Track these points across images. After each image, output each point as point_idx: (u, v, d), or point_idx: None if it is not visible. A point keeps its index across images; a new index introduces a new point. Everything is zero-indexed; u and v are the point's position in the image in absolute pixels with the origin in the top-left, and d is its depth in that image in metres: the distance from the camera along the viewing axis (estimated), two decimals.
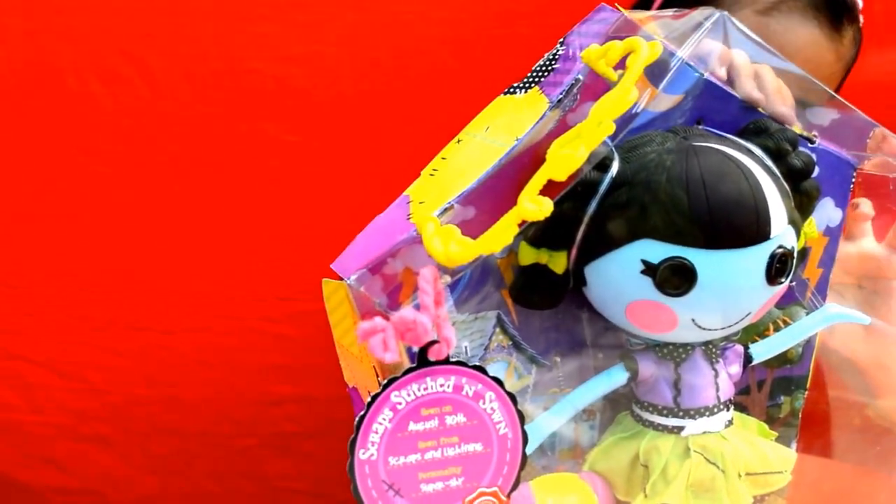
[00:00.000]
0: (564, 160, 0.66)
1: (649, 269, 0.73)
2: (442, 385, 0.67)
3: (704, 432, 0.78)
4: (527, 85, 0.80)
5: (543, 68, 0.80)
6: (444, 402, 0.67)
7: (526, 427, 0.77)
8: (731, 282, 0.74)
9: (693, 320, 0.75)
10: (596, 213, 0.74)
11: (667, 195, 0.73)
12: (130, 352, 1.12)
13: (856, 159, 0.86)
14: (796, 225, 0.77)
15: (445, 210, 0.73)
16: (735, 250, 0.73)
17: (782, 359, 0.87)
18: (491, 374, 0.69)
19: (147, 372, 1.13)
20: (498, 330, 0.79)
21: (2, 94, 1.09)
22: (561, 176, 0.67)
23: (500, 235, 0.66)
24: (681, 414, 0.78)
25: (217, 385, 1.12)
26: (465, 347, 0.79)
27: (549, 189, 0.68)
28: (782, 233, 0.75)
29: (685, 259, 0.73)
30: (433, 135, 0.82)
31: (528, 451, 0.77)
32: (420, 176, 0.82)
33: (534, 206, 0.65)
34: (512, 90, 0.80)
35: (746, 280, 0.74)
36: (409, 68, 1.11)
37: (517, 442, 0.70)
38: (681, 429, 0.77)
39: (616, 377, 0.78)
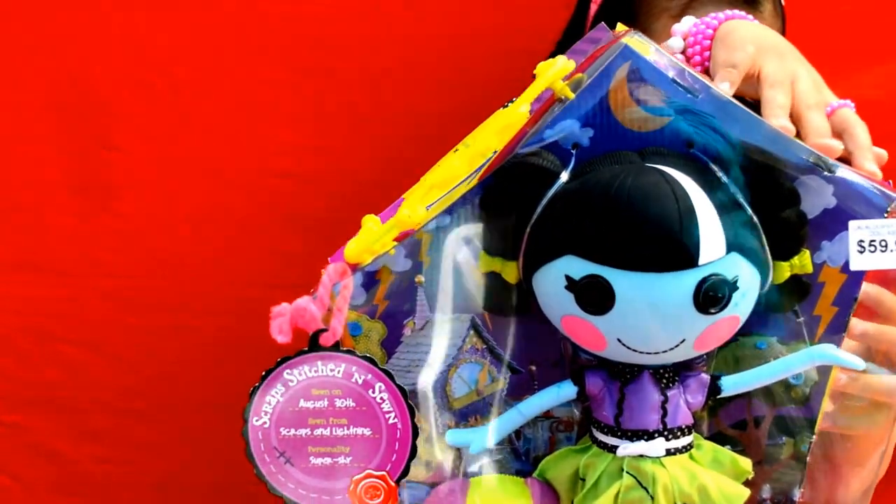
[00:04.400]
0: (447, 169, 0.70)
1: (571, 286, 0.74)
2: (332, 370, 0.73)
3: (641, 456, 0.77)
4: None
5: None
6: (333, 386, 0.73)
7: (473, 431, 0.81)
8: (653, 306, 0.73)
9: (619, 340, 0.75)
10: (536, 225, 0.77)
11: (591, 213, 0.73)
12: (164, 333, 1.24)
13: (891, 191, 0.80)
14: (753, 255, 0.74)
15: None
16: (655, 274, 0.72)
17: (786, 398, 0.83)
18: (381, 368, 0.74)
19: (179, 351, 1.24)
20: (472, 332, 0.83)
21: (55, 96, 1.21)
22: (444, 186, 0.70)
23: (382, 239, 0.71)
24: (619, 434, 0.77)
25: (244, 364, 1.21)
26: None
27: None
28: (718, 260, 0.73)
29: (603, 278, 0.73)
30: (436, 141, 0.86)
31: (474, 451, 0.81)
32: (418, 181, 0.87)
33: (408, 212, 0.69)
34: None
35: (670, 305, 0.73)
36: (416, 79, 1.17)
37: (407, 433, 0.74)
38: (616, 448, 0.77)
39: (565, 391, 0.79)
